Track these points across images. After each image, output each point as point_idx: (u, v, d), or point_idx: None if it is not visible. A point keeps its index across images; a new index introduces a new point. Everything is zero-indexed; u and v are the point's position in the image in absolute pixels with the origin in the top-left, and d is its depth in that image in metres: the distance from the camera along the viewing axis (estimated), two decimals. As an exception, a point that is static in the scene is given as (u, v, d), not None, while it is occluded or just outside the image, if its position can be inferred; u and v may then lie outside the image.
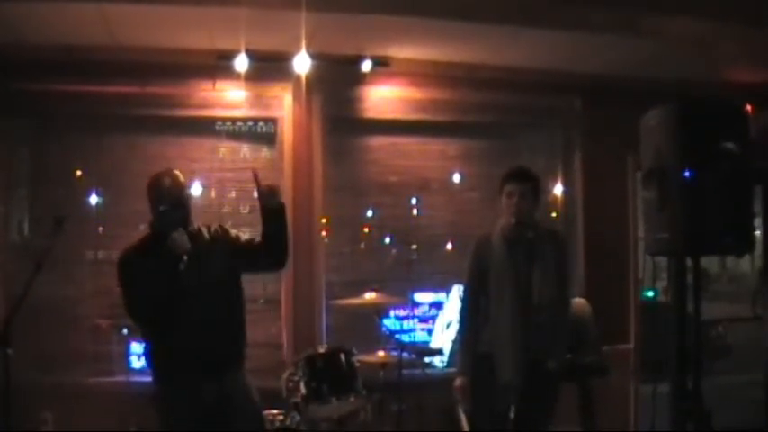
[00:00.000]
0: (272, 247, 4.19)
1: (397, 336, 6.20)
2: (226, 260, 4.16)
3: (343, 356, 5.11)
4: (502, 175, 4.57)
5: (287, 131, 6.36)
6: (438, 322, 6.71)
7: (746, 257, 3.91)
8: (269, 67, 6.10)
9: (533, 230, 4.44)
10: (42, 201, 6.01)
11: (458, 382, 4.55)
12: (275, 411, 5.16)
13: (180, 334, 3.98)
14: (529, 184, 4.48)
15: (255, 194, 4.20)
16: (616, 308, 6.79)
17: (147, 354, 4.23)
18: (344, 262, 6.57)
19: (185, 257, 3.98)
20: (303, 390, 4.95)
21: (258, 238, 4.22)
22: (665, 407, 3.98)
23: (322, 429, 5.12)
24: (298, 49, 5.72)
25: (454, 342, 6.53)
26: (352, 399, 5.03)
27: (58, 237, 4.18)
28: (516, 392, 4.25)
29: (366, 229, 6.75)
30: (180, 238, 4.02)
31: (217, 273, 4.10)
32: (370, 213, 6.74)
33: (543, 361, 4.31)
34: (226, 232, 4.32)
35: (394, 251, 6.80)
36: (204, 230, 4.28)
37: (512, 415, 4.22)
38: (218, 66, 6.06)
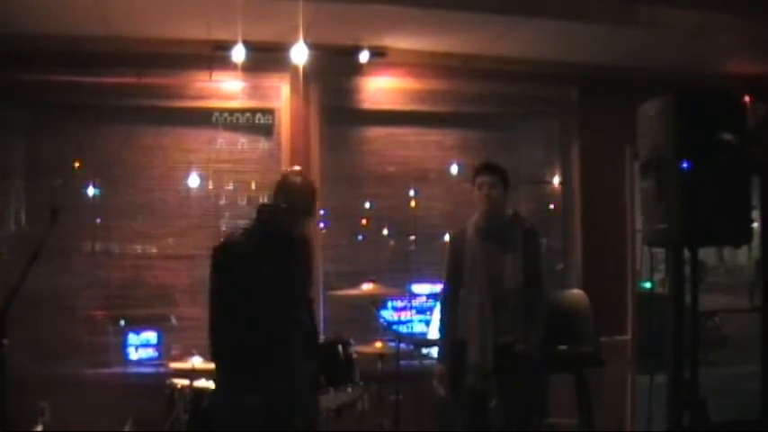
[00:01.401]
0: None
1: (394, 327, 6.20)
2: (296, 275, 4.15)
3: (340, 347, 5.12)
4: (472, 169, 4.85)
5: (284, 122, 6.35)
6: (435, 313, 6.70)
7: (744, 249, 3.91)
8: (266, 57, 6.08)
9: (502, 220, 4.73)
10: (38, 191, 5.98)
11: (436, 368, 4.82)
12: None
13: (254, 329, 3.95)
14: (498, 175, 4.73)
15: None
16: (613, 299, 6.79)
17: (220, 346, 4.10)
18: (342, 253, 6.57)
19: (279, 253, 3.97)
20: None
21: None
22: (661, 398, 3.99)
23: (320, 420, 5.11)
24: (295, 40, 5.70)
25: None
26: (349, 389, 5.05)
27: (54, 228, 4.17)
28: (488, 376, 4.48)
29: (364, 221, 6.75)
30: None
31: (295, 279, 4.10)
32: (367, 204, 6.73)
33: (512, 343, 4.51)
34: (308, 256, 4.32)
35: (392, 242, 6.79)
36: (296, 244, 4.24)
37: (492, 404, 4.42)
38: (215, 56, 6.03)
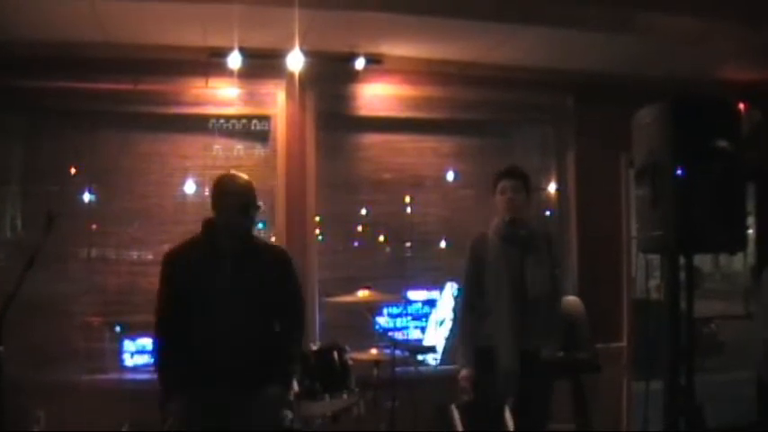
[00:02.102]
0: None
1: (390, 333, 6.20)
2: (265, 285, 4.11)
3: (336, 354, 5.11)
4: (494, 174, 4.82)
5: (280, 129, 6.35)
6: (431, 320, 6.71)
7: (739, 255, 3.92)
8: (262, 64, 6.08)
9: (526, 226, 4.72)
10: (35, 197, 5.98)
11: (464, 373, 4.69)
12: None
13: (204, 339, 3.95)
14: (521, 179, 4.74)
15: None
16: (609, 305, 6.81)
17: (162, 354, 4.11)
18: (338, 259, 6.56)
19: (230, 260, 3.97)
20: (296, 387, 4.94)
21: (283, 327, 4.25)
22: (657, 404, 3.99)
23: (315, 426, 5.11)
24: (291, 47, 5.71)
25: (448, 339, 6.55)
26: (345, 396, 5.03)
27: (50, 234, 4.17)
28: (516, 382, 4.49)
29: (359, 227, 6.75)
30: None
31: (254, 288, 4.05)
32: (363, 211, 6.73)
33: (536, 350, 4.56)
34: (286, 269, 4.29)
35: (387, 249, 6.78)
36: (264, 248, 4.28)
37: (508, 407, 4.41)
38: (211, 63, 6.04)
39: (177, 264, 4.10)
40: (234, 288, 3.98)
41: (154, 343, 4.19)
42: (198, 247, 4.13)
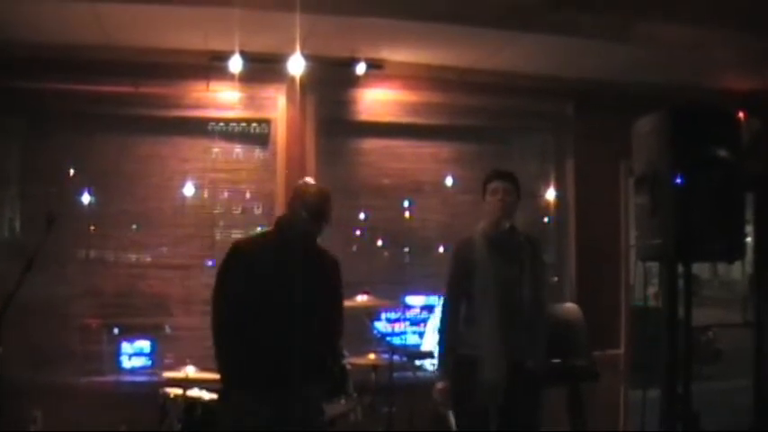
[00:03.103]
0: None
1: (388, 338, 6.20)
2: (319, 289, 4.08)
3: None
4: (485, 176, 4.72)
5: (280, 133, 6.36)
6: (429, 325, 6.71)
7: (737, 264, 3.91)
8: (263, 68, 6.09)
9: (515, 231, 4.58)
10: (34, 199, 5.98)
11: (439, 385, 4.61)
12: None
13: (259, 338, 3.94)
14: (512, 183, 4.63)
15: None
16: (607, 313, 6.80)
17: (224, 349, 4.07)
18: (336, 264, 6.56)
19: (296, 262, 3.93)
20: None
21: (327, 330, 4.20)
22: (654, 412, 3.99)
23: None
24: (292, 51, 5.72)
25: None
26: (343, 401, 5.04)
27: (49, 235, 4.17)
28: (500, 393, 4.35)
29: (358, 232, 6.75)
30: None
31: (311, 291, 3.99)
32: (362, 216, 6.74)
33: (524, 360, 4.43)
34: (337, 276, 4.29)
35: (386, 254, 6.80)
36: (321, 253, 4.27)
37: (495, 416, 4.32)
38: (211, 66, 6.05)
39: (244, 256, 4.08)
40: (295, 289, 3.96)
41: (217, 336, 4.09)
42: (268, 242, 4.14)
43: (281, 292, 3.93)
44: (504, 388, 4.35)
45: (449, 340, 4.66)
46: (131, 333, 6.08)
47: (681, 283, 3.79)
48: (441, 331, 4.75)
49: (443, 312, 4.76)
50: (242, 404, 3.96)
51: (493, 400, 4.36)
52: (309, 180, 4.31)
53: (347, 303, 5.36)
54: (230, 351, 4.00)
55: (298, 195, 4.11)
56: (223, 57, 5.94)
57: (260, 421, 3.90)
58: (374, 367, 5.38)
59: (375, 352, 5.50)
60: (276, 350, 3.91)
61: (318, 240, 4.22)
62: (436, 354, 6.28)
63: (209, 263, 6.08)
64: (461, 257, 4.68)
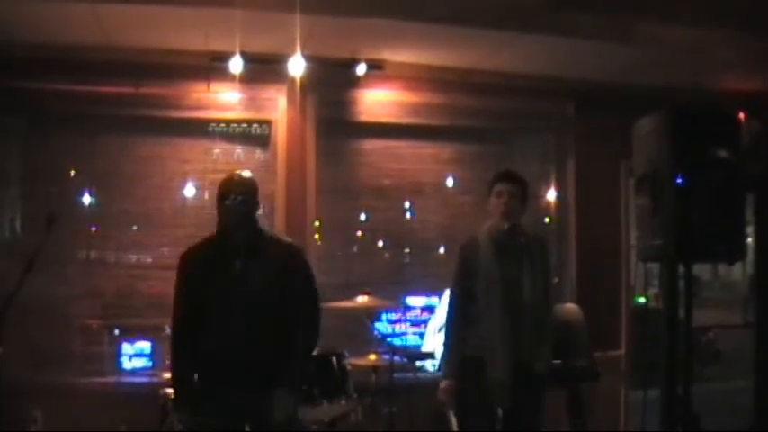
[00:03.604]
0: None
1: (388, 339, 6.20)
2: (278, 281, 4.01)
3: (334, 359, 5.10)
4: (491, 177, 4.69)
5: (281, 134, 6.36)
6: (430, 326, 6.71)
7: (738, 265, 3.91)
8: (263, 68, 6.09)
9: (521, 231, 4.58)
10: (34, 200, 5.98)
11: (443, 384, 4.61)
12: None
13: (219, 339, 3.90)
14: (518, 184, 4.60)
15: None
16: (608, 313, 6.80)
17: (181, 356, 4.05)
18: (337, 265, 6.57)
19: (241, 257, 3.92)
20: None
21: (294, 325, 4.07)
22: (655, 412, 3.99)
23: (313, 432, 5.11)
24: (292, 52, 5.72)
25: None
26: (343, 402, 5.02)
27: (49, 236, 4.17)
28: (506, 393, 4.35)
29: (359, 233, 6.76)
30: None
31: (261, 285, 3.96)
32: (363, 216, 6.74)
33: (530, 361, 4.44)
34: (295, 264, 4.16)
35: (386, 254, 6.80)
36: (275, 241, 4.19)
37: (499, 416, 4.34)
38: (212, 67, 6.05)
39: (191, 262, 4.08)
40: (241, 286, 3.94)
41: (172, 342, 4.09)
42: (210, 245, 4.11)
43: (228, 291, 3.91)
44: (509, 388, 4.36)
45: (454, 340, 4.66)
46: (132, 334, 6.07)
47: (681, 283, 3.79)
48: (446, 331, 4.74)
49: (449, 311, 4.76)
50: (196, 411, 3.91)
51: (498, 400, 4.37)
52: (233, 172, 4.24)
53: (347, 304, 5.40)
54: (183, 358, 3.99)
55: (220, 189, 4.03)
56: (223, 57, 5.94)
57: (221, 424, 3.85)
58: (374, 368, 5.37)
59: (375, 353, 5.50)
60: (231, 351, 3.87)
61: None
62: (440, 353, 6.33)
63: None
64: (466, 257, 4.67)
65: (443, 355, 4.85)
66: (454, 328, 4.68)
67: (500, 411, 4.41)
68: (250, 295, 3.91)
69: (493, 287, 4.50)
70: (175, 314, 4.05)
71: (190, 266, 4.06)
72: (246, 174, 4.14)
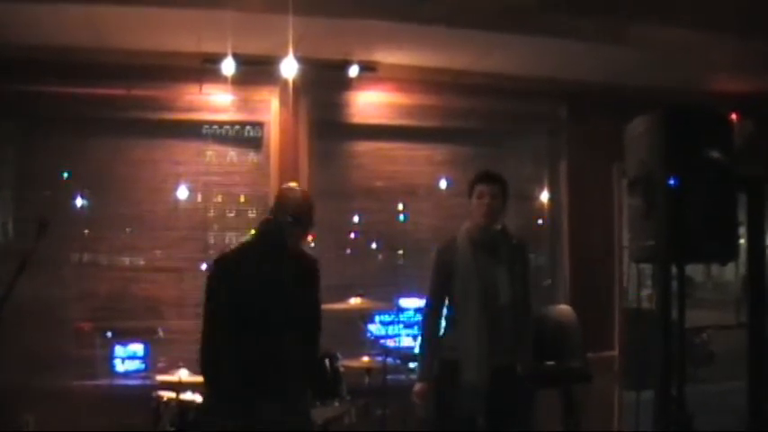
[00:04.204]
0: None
1: (381, 341, 6.20)
2: (297, 296, 4.02)
3: (327, 362, 5.09)
4: (472, 178, 4.70)
5: (273, 135, 6.36)
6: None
7: (731, 265, 3.91)
8: (256, 70, 6.08)
9: (501, 233, 4.58)
10: (27, 202, 5.97)
11: (417, 387, 4.60)
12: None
13: (245, 345, 3.89)
14: (499, 185, 4.59)
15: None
16: (601, 314, 6.81)
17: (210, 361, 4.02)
18: (330, 267, 6.50)
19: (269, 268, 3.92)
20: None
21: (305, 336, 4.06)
22: (648, 414, 3.99)
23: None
24: (285, 54, 5.71)
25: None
26: (336, 404, 5.02)
27: (42, 239, 4.15)
28: (482, 397, 4.34)
29: (352, 235, 6.75)
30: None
31: (291, 298, 3.96)
32: (356, 218, 6.74)
33: (510, 364, 4.43)
34: (312, 280, 4.14)
35: (380, 256, 6.80)
36: (298, 262, 4.15)
37: (480, 420, 4.31)
38: (204, 69, 6.04)
39: (225, 269, 4.03)
40: (276, 297, 3.93)
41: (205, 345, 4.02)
42: (248, 251, 4.10)
43: (262, 301, 3.90)
44: (487, 391, 4.34)
45: (428, 342, 4.66)
46: (124, 336, 6.06)
47: (674, 284, 3.79)
48: (421, 333, 4.76)
49: (424, 314, 4.76)
50: (224, 416, 3.88)
51: (476, 403, 4.35)
52: (293, 185, 4.28)
53: (340, 306, 5.39)
54: (214, 365, 3.94)
55: (281, 200, 4.08)
56: (216, 59, 5.93)
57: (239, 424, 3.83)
58: (368, 370, 5.37)
59: (369, 354, 5.51)
60: (259, 361, 3.86)
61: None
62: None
63: (203, 266, 6.08)
64: (443, 259, 4.66)
65: (418, 358, 4.83)
66: (430, 330, 4.67)
67: (479, 414, 4.37)
68: (279, 307, 3.92)
69: (470, 288, 4.49)
70: (208, 317, 3.98)
71: (224, 271, 4.02)
72: (305, 193, 4.20)
